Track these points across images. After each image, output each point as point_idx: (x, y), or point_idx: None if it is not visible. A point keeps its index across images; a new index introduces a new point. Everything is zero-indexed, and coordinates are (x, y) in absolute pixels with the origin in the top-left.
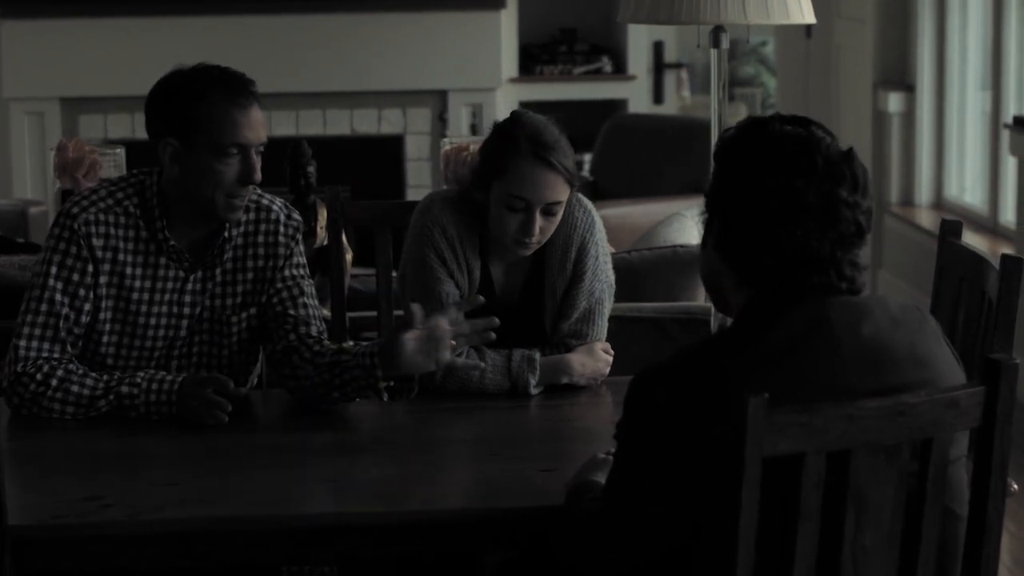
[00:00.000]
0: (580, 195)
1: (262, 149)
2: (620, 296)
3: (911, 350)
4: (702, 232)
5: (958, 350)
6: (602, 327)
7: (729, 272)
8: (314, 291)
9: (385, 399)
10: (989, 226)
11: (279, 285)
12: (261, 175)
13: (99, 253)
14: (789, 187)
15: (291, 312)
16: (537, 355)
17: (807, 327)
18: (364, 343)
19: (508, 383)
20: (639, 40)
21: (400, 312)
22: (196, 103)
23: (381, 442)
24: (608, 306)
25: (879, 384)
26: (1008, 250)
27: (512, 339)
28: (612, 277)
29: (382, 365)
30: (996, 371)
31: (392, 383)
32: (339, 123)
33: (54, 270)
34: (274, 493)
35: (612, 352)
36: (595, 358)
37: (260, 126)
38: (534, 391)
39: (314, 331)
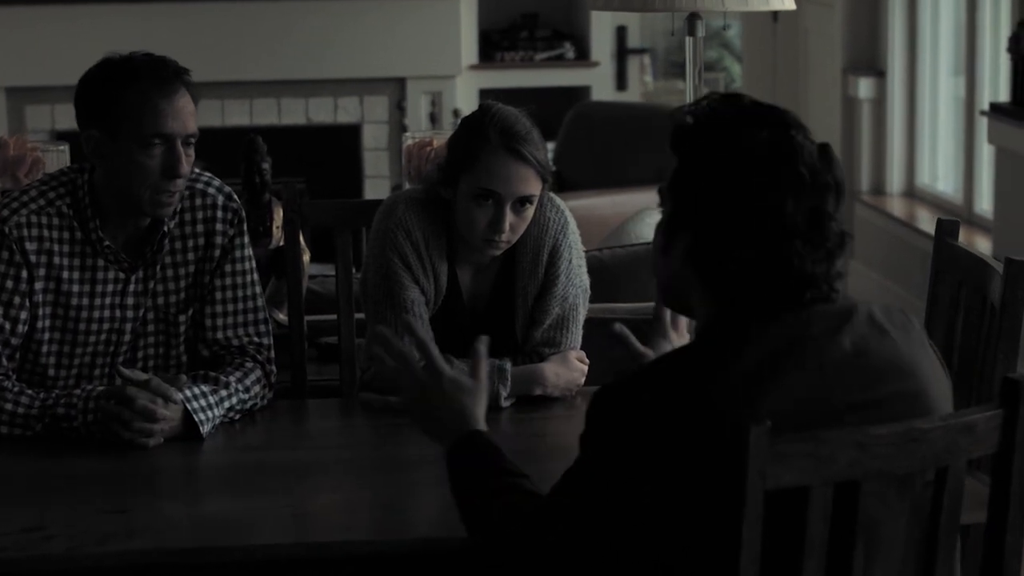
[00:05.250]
0: (553, 195)
1: (192, 141)
2: (592, 297)
3: (896, 359)
4: (659, 233)
5: (958, 359)
6: (577, 335)
7: (698, 284)
8: (259, 290)
9: None
10: (964, 216)
11: (217, 282)
12: (189, 168)
13: (33, 257)
14: (775, 209)
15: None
16: (508, 365)
17: (788, 343)
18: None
19: None
20: (602, 25)
21: (361, 316)
22: (119, 91)
23: (342, 463)
24: (583, 312)
25: (864, 398)
26: (984, 241)
27: None
28: (587, 281)
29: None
30: (1015, 392)
31: None
32: (294, 112)
33: None
34: (227, 521)
35: (587, 361)
36: (569, 368)
37: (188, 116)
38: (505, 403)
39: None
